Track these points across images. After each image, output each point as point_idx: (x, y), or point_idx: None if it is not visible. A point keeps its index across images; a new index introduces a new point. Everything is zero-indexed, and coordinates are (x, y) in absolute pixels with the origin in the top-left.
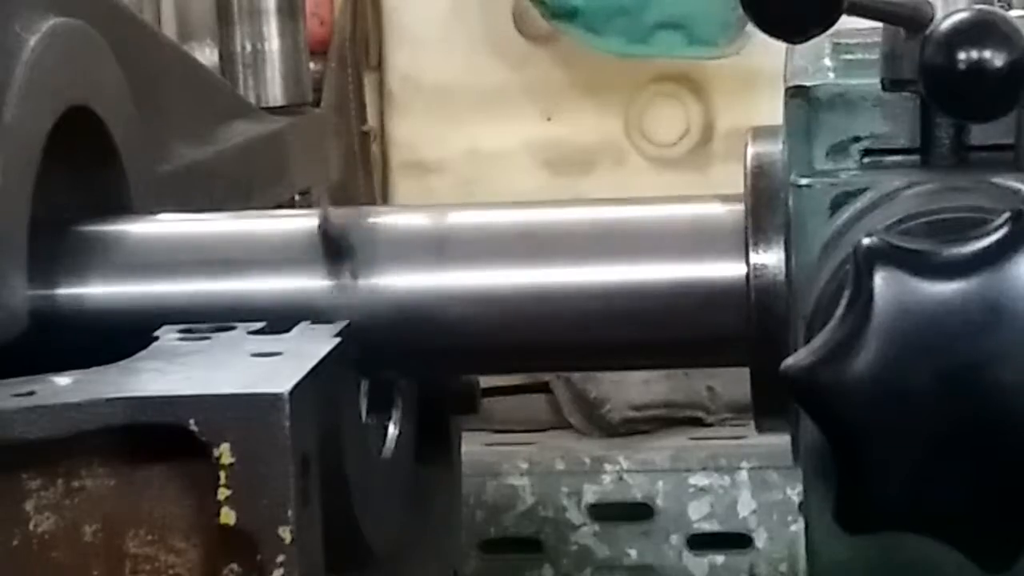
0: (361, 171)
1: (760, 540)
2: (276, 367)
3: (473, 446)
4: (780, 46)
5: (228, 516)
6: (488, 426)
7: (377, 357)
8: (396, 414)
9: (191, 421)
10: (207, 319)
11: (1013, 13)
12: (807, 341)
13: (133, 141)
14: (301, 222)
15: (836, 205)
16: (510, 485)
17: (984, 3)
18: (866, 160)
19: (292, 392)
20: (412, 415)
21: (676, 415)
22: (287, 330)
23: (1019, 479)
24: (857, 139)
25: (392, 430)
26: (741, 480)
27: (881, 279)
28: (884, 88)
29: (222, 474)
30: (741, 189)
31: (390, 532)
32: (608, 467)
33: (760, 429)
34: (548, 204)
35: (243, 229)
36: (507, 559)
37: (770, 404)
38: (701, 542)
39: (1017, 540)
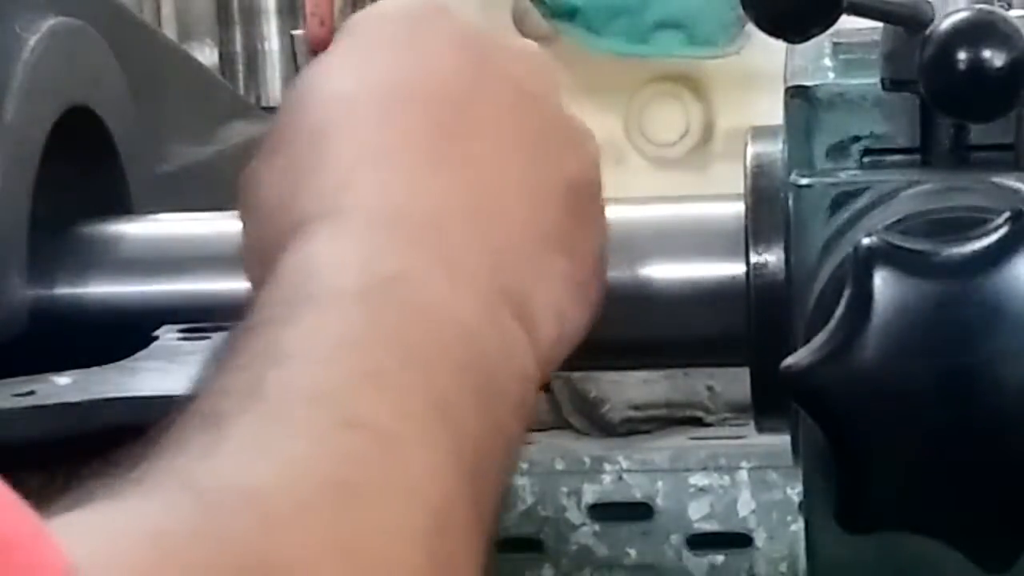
0: None
1: (760, 540)
2: None
3: None
4: (780, 46)
5: None
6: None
7: None
8: None
9: None
10: (207, 319)
11: (1013, 13)
12: (807, 341)
13: (133, 141)
14: None
15: (836, 205)
16: (510, 485)
17: (984, 3)
18: (866, 160)
19: None
20: None
21: (676, 415)
22: None
23: (1019, 479)
24: (857, 139)
25: None
26: (741, 480)
27: (881, 279)
28: (884, 88)
29: None
30: (741, 189)
31: None
32: (608, 467)
33: (760, 429)
34: None
35: None
36: (507, 559)
37: (770, 404)
38: (701, 542)
39: (1017, 540)
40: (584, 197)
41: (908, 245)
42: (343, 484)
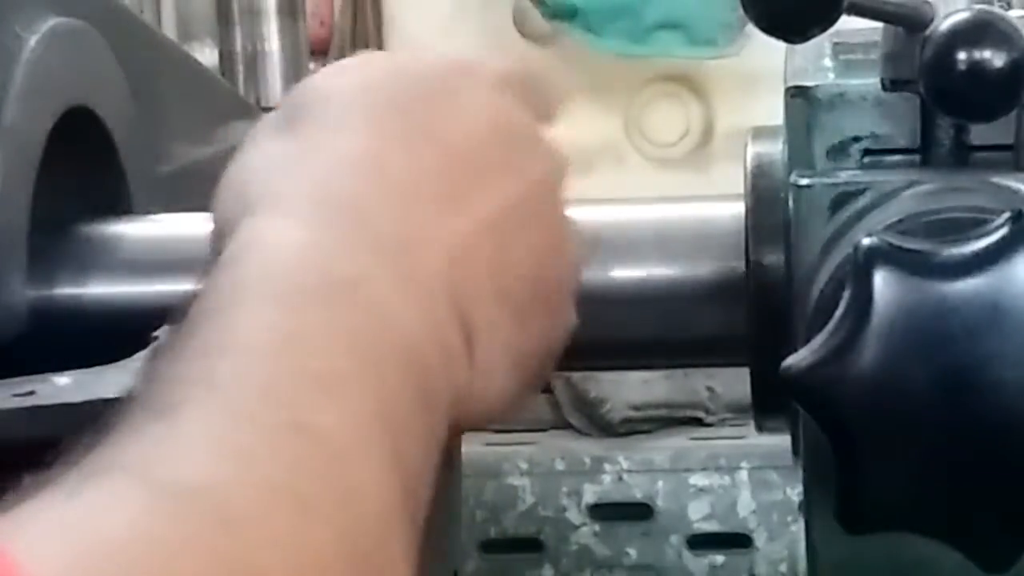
0: None
1: (760, 540)
2: None
3: (473, 446)
4: (780, 46)
5: None
6: (488, 426)
7: None
8: None
9: None
10: None
11: (1013, 13)
12: (807, 341)
13: (133, 141)
14: None
15: (836, 205)
16: (510, 485)
17: (984, 3)
18: (866, 160)
19: None
20: None
21: (676, 415)
22: None
23: (1019, 479)
24: (857, 139)
25: None
26: (741, 480)
27: (881, 279)
28: (884, 88)
29: None
30: (741, 189)
31: None
32: (608, 467)
33: (760, 429)
34: None
35: None
36: (507, 559)
37: (770, 404)
38: (701, 542)
39: (1017, 540)
40: (552, 288)
41: (908, 245)
42: (293, 492)
